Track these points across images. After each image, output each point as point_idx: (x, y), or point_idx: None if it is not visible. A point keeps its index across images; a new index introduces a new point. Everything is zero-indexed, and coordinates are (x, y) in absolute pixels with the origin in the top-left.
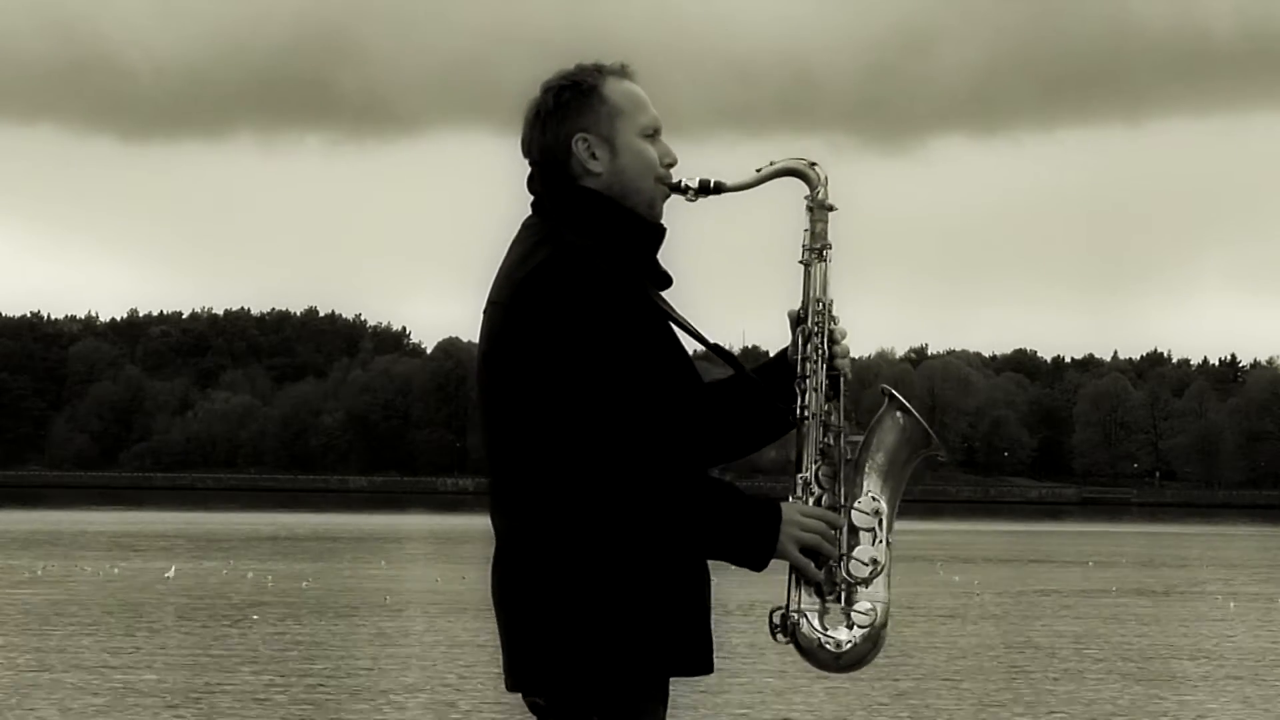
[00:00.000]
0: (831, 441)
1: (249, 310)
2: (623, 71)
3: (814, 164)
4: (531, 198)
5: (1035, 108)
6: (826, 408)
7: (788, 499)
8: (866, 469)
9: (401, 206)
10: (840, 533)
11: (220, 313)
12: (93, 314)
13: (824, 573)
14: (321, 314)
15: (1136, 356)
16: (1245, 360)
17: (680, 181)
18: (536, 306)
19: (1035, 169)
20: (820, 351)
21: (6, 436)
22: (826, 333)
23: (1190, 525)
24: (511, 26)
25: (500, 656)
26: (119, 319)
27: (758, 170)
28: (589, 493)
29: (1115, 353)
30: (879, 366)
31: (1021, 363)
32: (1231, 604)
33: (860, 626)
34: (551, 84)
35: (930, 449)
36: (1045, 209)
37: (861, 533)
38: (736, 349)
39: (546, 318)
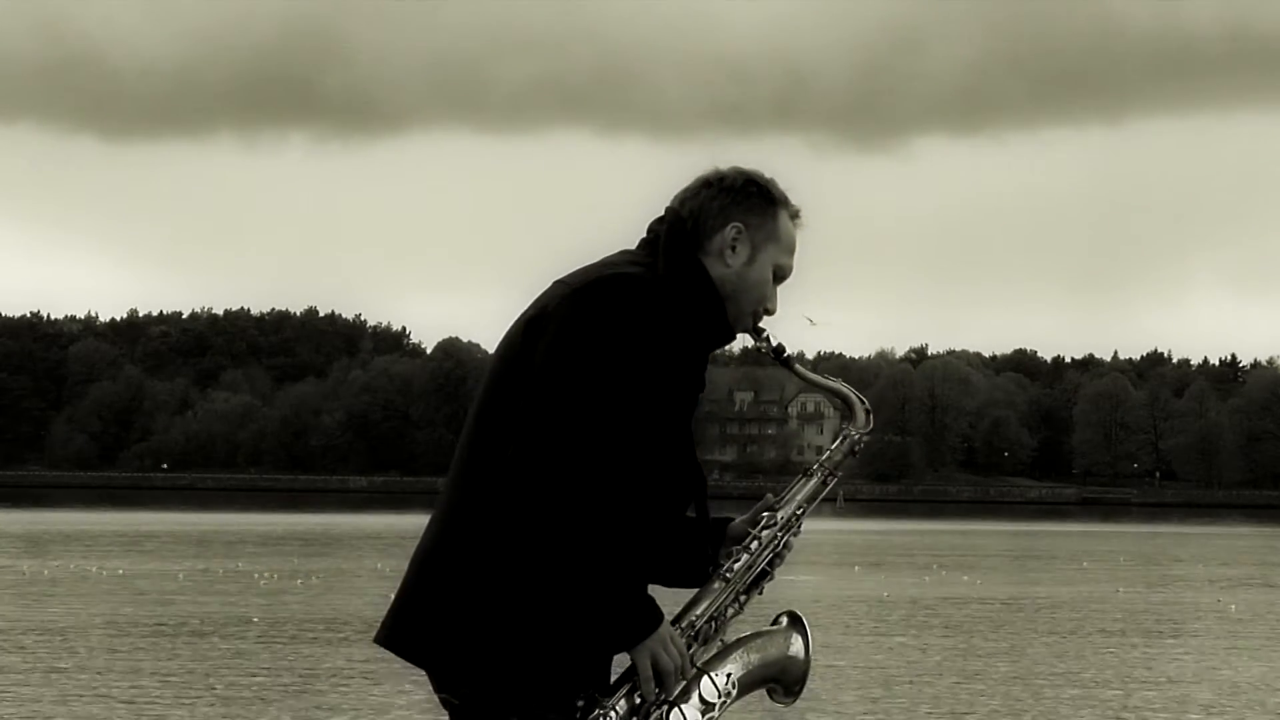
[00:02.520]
0: (728, 615)
1: (249, 310)
2: (797, 214)
3: (869, 409)
4: (649, 234)
5: (1032, 107)
6: (745, 589)
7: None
8: (735, 656)
9: (392, 206)
10: (686, 682)
11: (220, 313)
12: (93, 314)
13: (651, 698)
14: (321, 314)
15: (1136, 356)
16: (1245, 360)
17: (764, 331)
18: (580, 316)
19: (1035, 168)
20: (772, 544)
21: (6, 436)
22: (785, 540)
23: (1190, 525)
24: (499, 25)
25: (387, 620)
26: (119, 319)
27: (825, 376)
28: (543, 501)
29: (1115, 353)
30: (879, 366)
31: (1021, 363)
32: (1231, 605)
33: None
34: (749, 175)
35: (790, 694)
36: (1046, 208)
37: (700, 700)
38: (736, 349)
39: (581, 331)
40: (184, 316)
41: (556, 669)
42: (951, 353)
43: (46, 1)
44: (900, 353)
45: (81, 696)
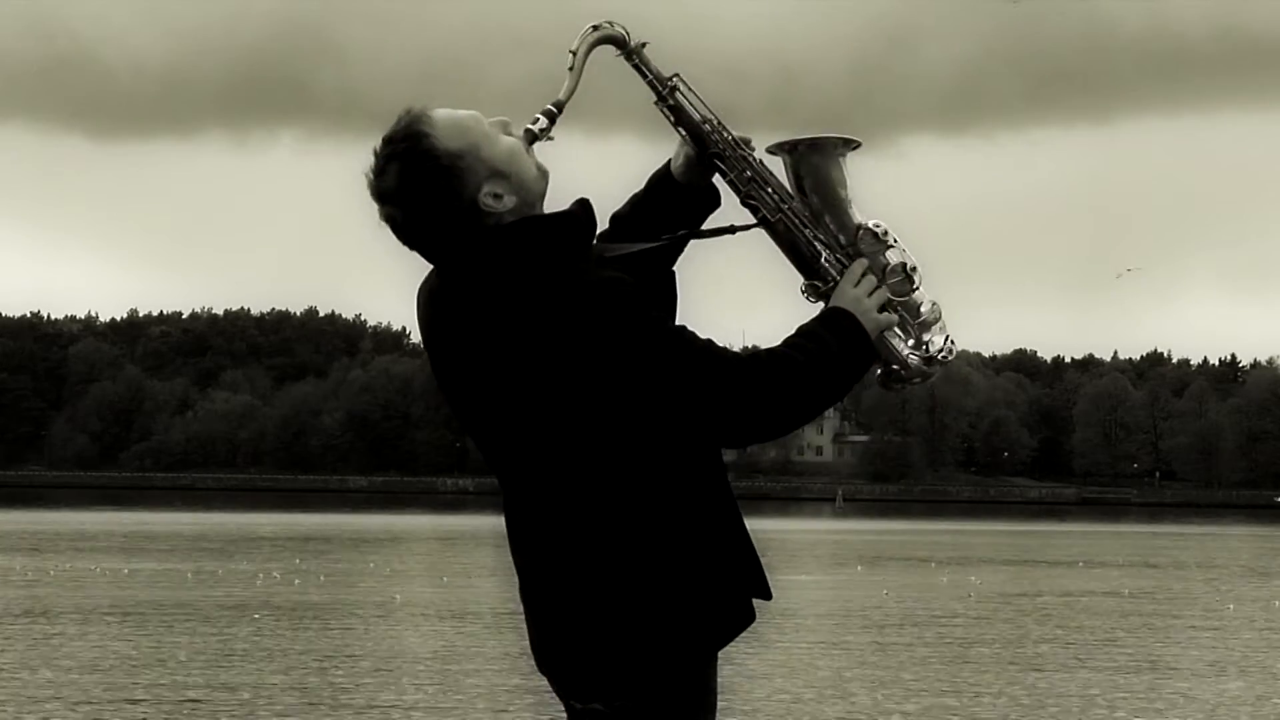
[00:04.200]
0: (800, 208)
1: (249, 310)
2: (427, 109)
3: (611, 22)
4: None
5: (1024, 107)
6: (778, 194)
7: (814, 289)
8: (830, 213)
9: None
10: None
11: (220, 313)
12: (93, 314)
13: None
14: (321, 314)
15: (1136, 356)
16: (1245, 360)
17: (533, 132)
18: (545, 326)
19: (1028, 167)
20: (743, 158)
21: (6, 436)
22: (732, 140)
23: (1190, 525)
24: (491, 24)
25: (534, 653)
26: (119, 319)
27: (570, 68)
28: (754, 414)
29: (1115, 353)
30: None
31: (1021, 363)
32: (1231, 605)
33: (936, 323)
34: (410, 174)
35: (847, 142)
36: (1042, 207)
37: (877, 255)
38: (735, 349)
39: (559, 331)
40: (184, 316)
41: (700, 625)
42: None
43: (37, 1)
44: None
45: (86, 698)
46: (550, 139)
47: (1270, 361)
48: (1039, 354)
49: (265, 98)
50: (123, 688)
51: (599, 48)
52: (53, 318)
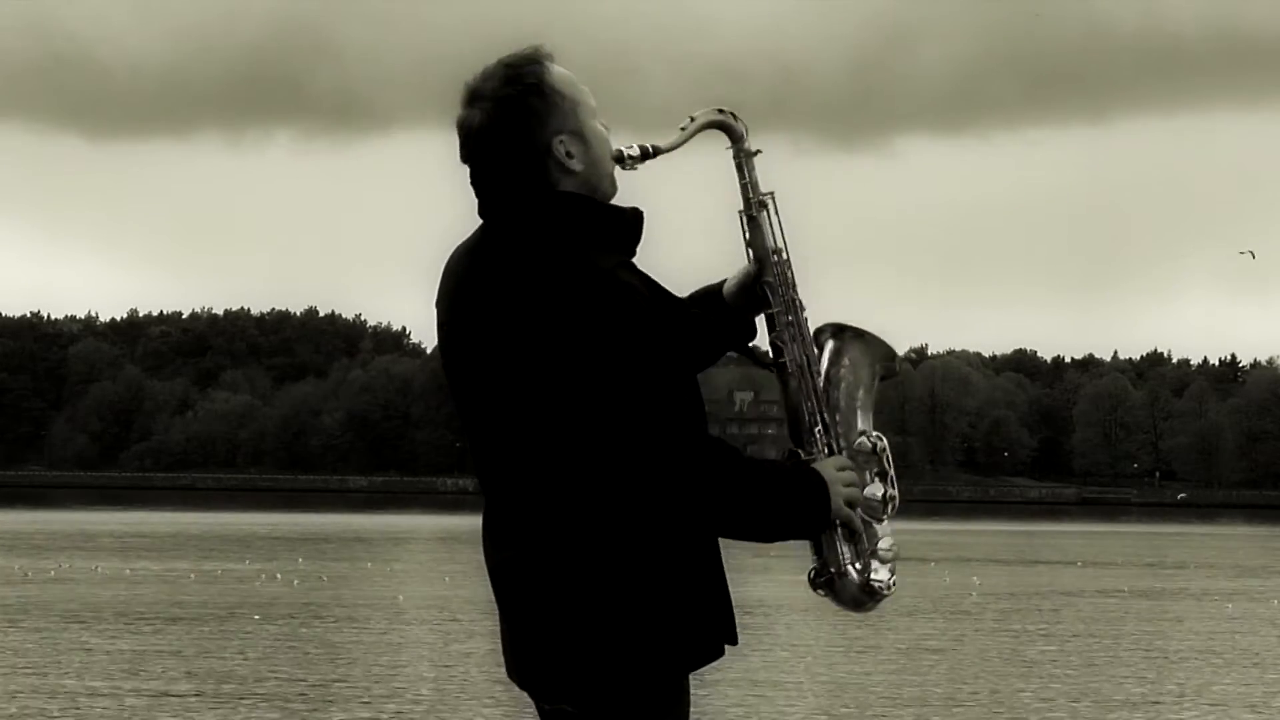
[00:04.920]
0: (821, 386)
1: (249, 310)
2: (550, 55)
3: (736, 115)
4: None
5: (1023, 106)
6: (810, 353)
7: (792, 455)
8: (845, 405)
9: (388, 206)
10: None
11: (220, 313)
12: (93, 314)
13: (862, 529)
14: (321, 314)
15: (1136, 356)
16: (1245, 360)
17: (622, 153)
18: (547, 313)
19: (1026, 167)
20: (793, 302)
21: (6, 436)
22: (792, 281)
23: (1190, 525)
24: (488, 23)
25: (505, 655)
26: (119, 319)
27: (682, 128)
28: (636, 489)
29: (1115, 353)
30: None
31: (1021, 363)
32: (1229, 605)
33: (888, 562)
34: (500, 94)
35: (892, 359)
36: (1041, 207)
37: (870, 472)
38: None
39: (557, 322)
40: (184, 316)
41: (672, 643)
42: (951, 353)
43: (34, 0)
44: (900, 352)
45: (88, 699)
46: (632, 168)
47: (1270, 361)
48: (1039, 354)
49: (262, 97)
50: (122, 687)
51: (715, 131)
52: (53, 318)
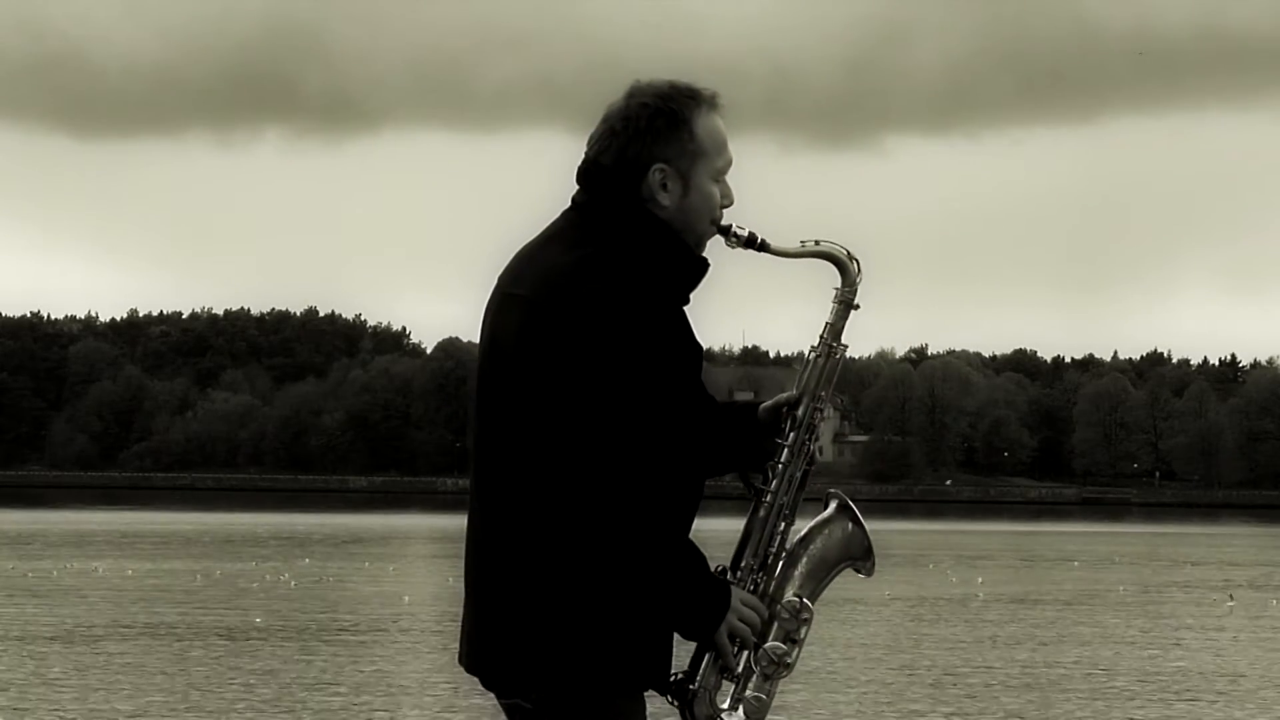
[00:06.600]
0: (782, 530)
1: (249, 310)
2: (713, 103)
3: (854, 257)
4: (576, 189)
5: (1015, 106)
6: (789, 500)
7: (723, 571)
8: (799, 566)
9: (386, 206)
10: (763, 625)
11: (220, 313)
12: (93, 314)
13: (736, 668)
14: (321, 314)
15: (1136, 356)
16: (1245, 360)
17: (730, 226)
18: (577, 311)
19: (1021, 166)
20: (805, 447)
21: (6, 436)
22: (816, 430)
23: (1190, 525)
24: (481, 23)
25: (462, 645)
26: (119, 319)
27: (802, 243)
28: (583, 504)
29: (1115, 353)
30: (879, 366)
31: (1021, 363)
32: (1229, 604)
33: (748, 714)
34: (647, 101)
35: (866, 561)
36: (1038, 207)
37: (780, 631)
38: (736, 349)
39: (585, 324)
40: (184, 316)
41: (625, 660)
42: (951, 353)
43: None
44: (900, 353)
45: (90, 699)
46: (731, 245)
47: (1270, 361)
48: (1039, 354)
49: (253, 96)
50: (123, 687)
51: (829, 264)
52: (53, 318)
